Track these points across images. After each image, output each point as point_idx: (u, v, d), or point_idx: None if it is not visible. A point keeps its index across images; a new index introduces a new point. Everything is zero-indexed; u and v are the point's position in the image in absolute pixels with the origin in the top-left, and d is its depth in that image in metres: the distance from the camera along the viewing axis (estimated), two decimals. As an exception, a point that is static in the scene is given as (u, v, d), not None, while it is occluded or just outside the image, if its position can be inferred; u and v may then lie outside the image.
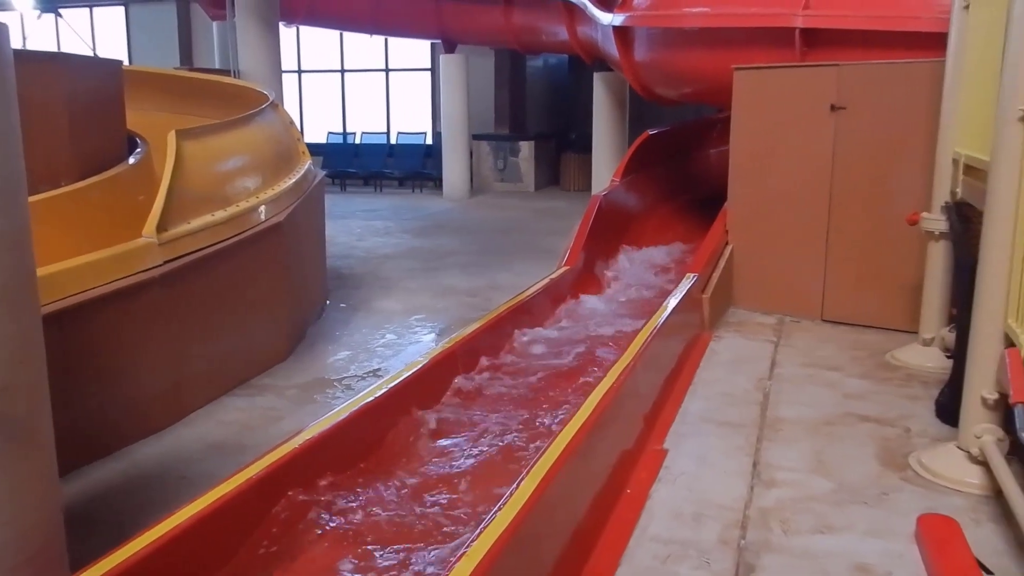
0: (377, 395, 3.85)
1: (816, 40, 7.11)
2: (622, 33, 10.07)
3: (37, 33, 19.75)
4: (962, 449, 3.75)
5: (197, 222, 5.22)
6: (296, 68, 19.35)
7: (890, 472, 3.86)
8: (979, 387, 3.63)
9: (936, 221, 5.20)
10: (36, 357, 2.50)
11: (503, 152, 17.71)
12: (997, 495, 3.50)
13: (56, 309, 3.99)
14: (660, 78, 9.91)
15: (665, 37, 9.21)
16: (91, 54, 17.67)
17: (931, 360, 5.28)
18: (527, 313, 5.85)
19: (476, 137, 17.38)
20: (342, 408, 3.67)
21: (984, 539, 3.24)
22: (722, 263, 6.61)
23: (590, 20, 11.65)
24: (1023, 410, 2.94)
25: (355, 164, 18.03)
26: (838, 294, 6.36)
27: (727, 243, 6.84)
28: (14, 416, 2.36)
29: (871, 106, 6.07)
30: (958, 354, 4.25)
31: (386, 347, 6.51)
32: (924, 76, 5.67)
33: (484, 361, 5.02)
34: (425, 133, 18.54)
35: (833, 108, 6.19)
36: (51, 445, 2.58)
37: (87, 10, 20.56)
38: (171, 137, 5.34)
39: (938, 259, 5.30)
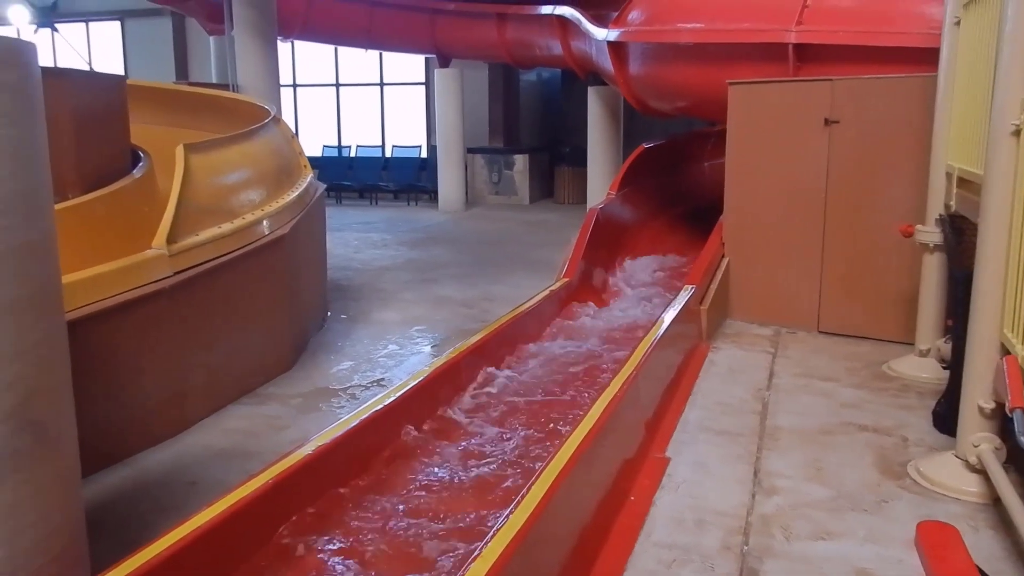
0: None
1: (809, 55, 7.18)
2: (617, 48, 10.16)
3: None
4: (960, 458, 3.80)
5: (205, 234, 5.29)
6: (292, 82, 19.43)
7: (888, 480, 3.92)
8: (976, 396, 3.69)
9: (930, 233, 5.28)
10: (61, 363, 2.55)
11: (497, 165, 17.79)
12: (995, 503, 3.56)
13: (69, 319, 4.02)
14: (655, 92, 9.99)
15: (660, 52, 9.30)
16: (88, 68, 17.73)
17: (927, 371, 5.34)
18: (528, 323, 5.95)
19: (471, 150, 17.46)
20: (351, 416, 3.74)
21: (983, 546, 3.29)
22: (719, 275, 6.67)
23: (584, 35, 11.75)
24: (1022, 415, 2.99)
25: (350, 177, 18.11)
26: (833, 306, 6.43)
27: (723, 255, 6.90)
28: (40, 420, 2.42)
29: (864, 120, 6.16)
30: (955, 365, 4.30)
31: (388, 357, 6.57)
32: (916, 90, 5.77)
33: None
34: (420, 146, 18.62)
35: (827, 122, 6.28)
36: (75, 448, 2.63)
37: (83, 25, 20.62)
38: (179, 151, 5.41)
39: (933, 271, 5.37)
